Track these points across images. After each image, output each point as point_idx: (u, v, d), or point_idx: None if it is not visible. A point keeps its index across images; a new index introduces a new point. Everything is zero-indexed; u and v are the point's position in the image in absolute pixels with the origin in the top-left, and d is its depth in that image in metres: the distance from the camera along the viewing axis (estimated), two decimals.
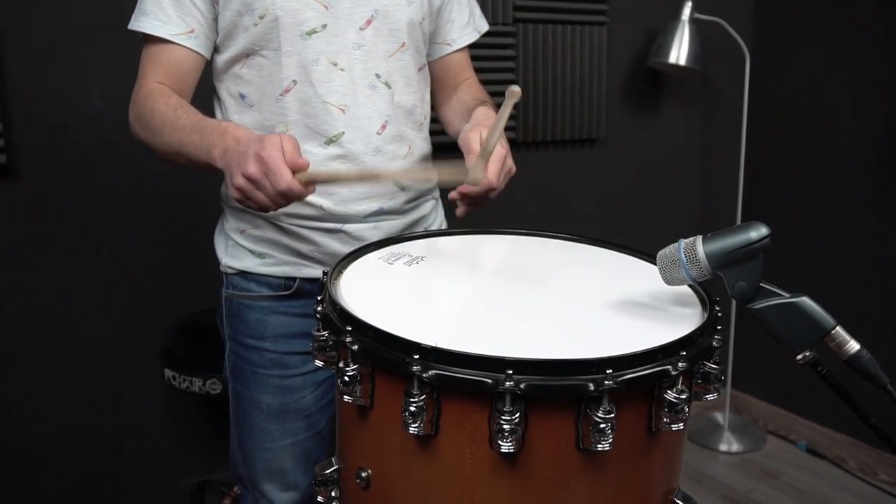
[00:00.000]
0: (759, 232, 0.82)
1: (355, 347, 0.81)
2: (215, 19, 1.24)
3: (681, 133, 2.85)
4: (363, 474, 0.87)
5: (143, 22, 1.23)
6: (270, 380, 1.33)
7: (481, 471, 0.78)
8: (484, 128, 1.20)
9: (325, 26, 1.23)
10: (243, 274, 1.35)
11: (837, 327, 0.82)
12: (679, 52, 2.51)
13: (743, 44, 2.64)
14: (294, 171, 1.01)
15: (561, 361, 0.74)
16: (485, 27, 1.50)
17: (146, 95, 1.21)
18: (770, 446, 2.88)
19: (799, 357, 0.83)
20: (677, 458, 0.90)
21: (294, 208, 1.27)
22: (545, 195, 2.59)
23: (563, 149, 2.61)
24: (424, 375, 0.75)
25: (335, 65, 1.24)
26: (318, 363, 0.89)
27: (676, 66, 2.54)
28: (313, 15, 1.22)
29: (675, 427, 0.79)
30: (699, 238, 0.85)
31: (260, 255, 1.33)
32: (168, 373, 1.89)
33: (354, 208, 1.29)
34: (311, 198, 1.25)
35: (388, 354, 0.78)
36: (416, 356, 0.76)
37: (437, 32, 1.42)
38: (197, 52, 1.24)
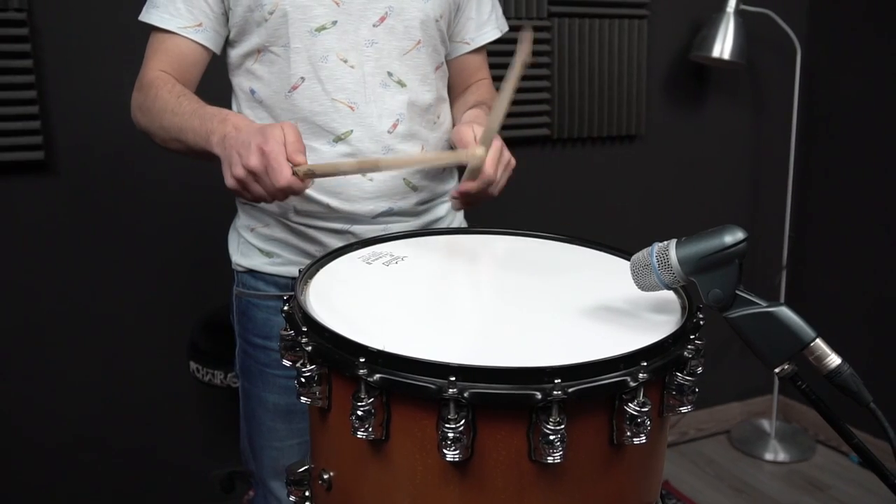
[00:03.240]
0: (734, 237, 0.78)
1: (309, 348, 0.80)
2: (225, 14, 1.25)
3: (726, 130, 2.75)
4: (325, 476, 0.86)
5: (153, 14, 1.25)
6: (277, 380, 1.34)
7: (432, 478, 0.76)
8: (478, 125, 1.17)
9: (335, 23, 1.22)
10: (252, 272, 1.36)
11: (817, 340, 0.76)
12: (723, 45, 2.42)
13: (794, 36, 2.52)
14: (294, 166, 1.01)
15: (508, 369, 0.71)
16: (505, 27, 1.46)
17: (150, 83, 1.23)
18: (819, 457, 2.76)
19: (777, 370, 0.78)
20: (652, 472, 0.86)
21: (303, 206, 1.27)
22: (581, 194, 2.53)
23: (601, 146, 2.55)
24: (370, 379, 0.74)
25: (345, 61, 1.24)
26: (286, 363, 0.89)
27: (720, 60, 2.45)
28: (323, 11, 1.22)
29: (636, 441, 0.75)
30: (673, 242, 0.81)
31: (268, 254, 1.34)
32: (193, 365, 1.93)
33: (362, 208, 1.27)
34: (318, 196, 1.26)
35: (338, 356, 0.77)
36: (363, 359, 0.74)
37: (456, 31, 1.39)
38: (203, 46, 1.25)
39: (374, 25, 1.24)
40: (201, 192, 2.03)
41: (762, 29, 2.56)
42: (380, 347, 0.74)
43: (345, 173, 1.04)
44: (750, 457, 2.77)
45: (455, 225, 1.43)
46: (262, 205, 1.31)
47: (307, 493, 0.95)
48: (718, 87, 2.70)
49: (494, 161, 1.11)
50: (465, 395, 0.71)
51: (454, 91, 1.46)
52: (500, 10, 1.46)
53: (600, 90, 2.46)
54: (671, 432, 2.82)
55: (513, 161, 1.19)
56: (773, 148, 2.78)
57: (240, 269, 1.37)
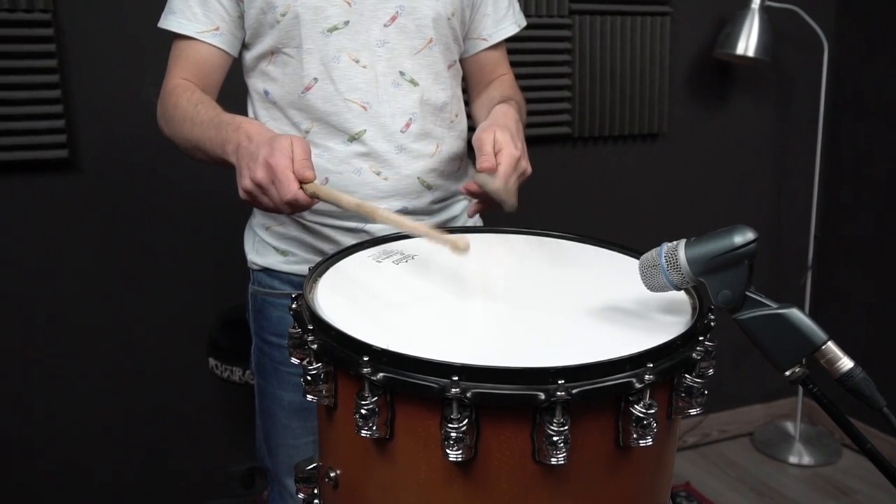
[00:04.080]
0: (744, 237, 0.76)
1: (315, 346, 0.80)
2: (241, 17, 1.26)
3: (751, 129, 2.71)
4: (331, 474, 0.86)
5: (171, 20, 1.26)
6: (292, 378, 1.34)
7: (436, 478, 0.76)
8: (499, 128, 1.15)
9: (347, 23, 1.23)
10: (267, 271, 1.36)
11: (829, 342, 0.75)
12: (748, 42, 2.38)
13: (821, 32, 2.48)
14: (302, 182, 1.01)
15: (511, 369, 0.71)
16: (524, 22, 1.46)
17: (171, 92, 1.24)
18: (845, 461, 2.71)
19: (787, 373, 0.77)
20: (661, 475, 0.85)
21: (317, 205, 1.28)
22: (602, 192, 2.51)
23: (622, 144, 2.52)
24: (374, 378, 0.74)
25: (357, 62, 1.24)
26: (294, 360, 0.89)
27: (745, 58, 2.42)
28: (335, 12, 1.22)
29: (643, 443, 0.74)
30: (682, 242, 0.80)
31: (283, 253, 1.34)
32: (212, 362, 1.95)
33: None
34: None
35: (343, 355, 0.77)
36: (366, 358, 0.74)
37: (473, 28, 1.38)
38: (222, 50, 1.26)
39: (385, 25, 1.24)
40: (222, 190, 2.02)
41: (788, 25, 2.52)
42: (383, 346, 0.74)
43: (344, 207, 1.04)
44: (773, 459, 2.73)
45: (470, 224, 1.42)
46: None
47: (315, 491, 0.95)
48: (743, 85, 2.66)
49: (507, 173, 1.09)
50: (468, 394, 0.70)
51: (475, 89, 1.45)
52: (517, 6, 1.45)
53: (622, 88, 2.44)
54: (693, 434, 2.79)
55: (529, 170, 1.16)
56: (799, 147, 2.73)
57: (255, 267, 1.38)
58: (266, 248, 1.36)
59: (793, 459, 2.71)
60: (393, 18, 1.24)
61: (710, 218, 2.64)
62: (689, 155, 2.63)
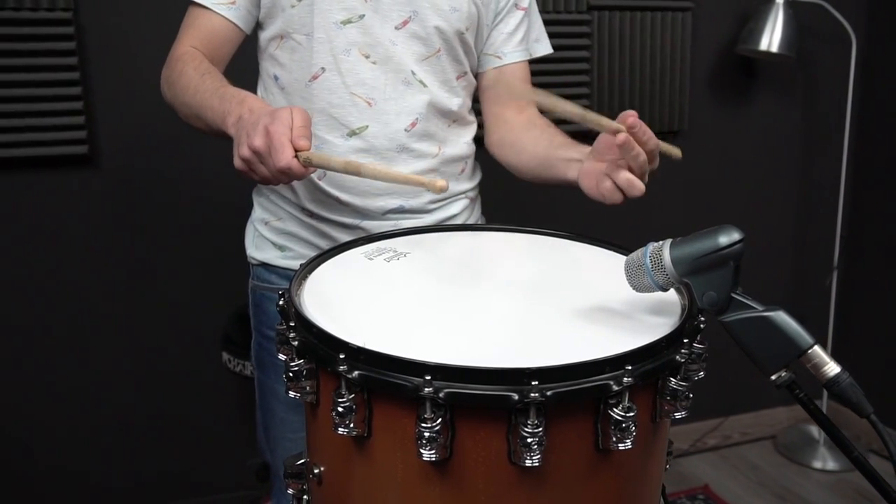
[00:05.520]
0: (729, 237, 0.75)
1: (296, 343, 0.80)
2: None
3: (775, 126, 2.65)
4: (315, 470, 0.87)
5: None
6: None
7: (413, 477, 0.76)
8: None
9: (362, 17, 1.22)
10: (265, 266, 1.37)
11: (815, 346, 0.73)
12: (771, 37, 2.34)
13: (849, 26, 2.42)
14: (296, 151, 1.00)
15: (485, 370, 0.70)
16: (541, 51, 1.43)
17: (179, 58, 1.24)
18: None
19: (773, 377, 0.75)
20: (647, 480, 0.84)
21: (315, 200, 1.28)
22: None
23: None
24: (350, 376, 0.74)
25: (367, 57, 1.24)
26: (281, 356, 0.89)
27: (768, 54, 2.37)
28: (351, 4, 1.22)
29: (622, 446, 0.73)
30: (668, 242, 0.79)
31: (281, 248, 1.35)
32: (225, 356, 1.97)
33: (373, 204, 1.28)
34: (329, 190, 1.26)
35: (322, 352, 0.77)
36: (343, 355, 0.74)
37: (490, 43, 1.37)
38: (234, 24, 1.25)
39: (396, 27, 1.24)
40: (240, 186, 2.05)
41: (814, 19, 2.46)
42: (360, 344, 0.74)
43: (333, 169, 1.04)
44: (796, 464, 2.68)
45: (471, 222, 1.42)
46: (276, 197, 1.33)
47: (305, 487, 0.95)
48: (767, 81, 2.61)
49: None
50: (441, 394, 0.70)
51: (498, 105, 1.41)
52: (539, 32, 1.42)
53: (641, 85, 2.41)
54: (713, 436, 2.75)
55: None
56: (826, 145, 2.67)
57: (254, 261, 1.39)
58: (265, 242, 1.37)
59: (817, 464, 2.65)
60: (405, 22, 1.24)
61: (733, 218, 2.56)
62: (710, 153, 2.58)
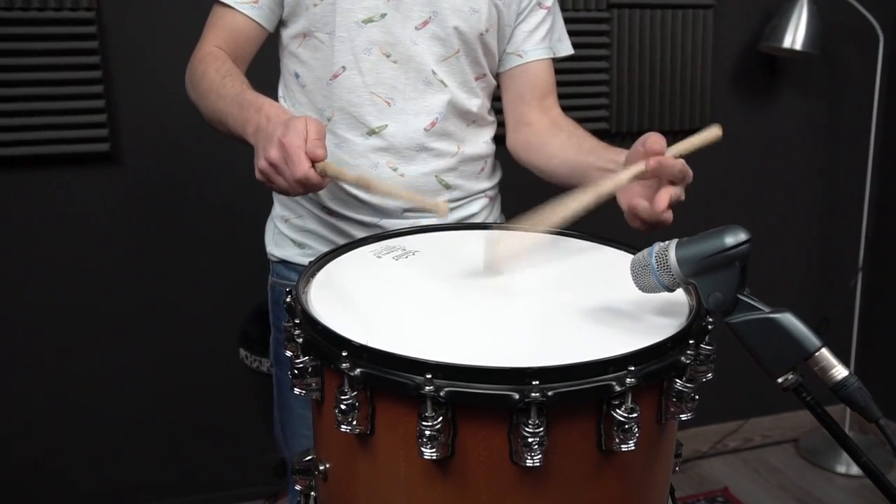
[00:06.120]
0: (735, 238, 0.74)
1: (301, 340, 0.81)
2: None
3: (799, 125, 2.61)
4: (321, 467, 0.87)
5: None
6: None
7: (415, 475, 0.76)
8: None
9: (383, 16, 1.23)
10: (284, 263, 1.38)
11: (823, 349, 0.72)
12: (795, 35, 2.30)
13: (876, 23, 2.38)
14: (313, 161, 1.02)
15: (486, 369, 0.70)
16: (564, 52, 1.41)
17: (202, 58, 1.24)
18: None
19: (780, 380, 0.74)
20: (652, 482, 0.83)
21: (335, 198, 1.29)
22: None
23: None
24: (352, 373, 0.74)
25: (388, 56, 1.24)
26: (288, 353, 0.90)
27: (792, 51, 2.33)
28: (373, 3, 1.22)
29: (625, 448, 0.72)
30: (674, 242, 0.78)
31: (300, 245, 1.36)
32: (242, 352, 1.99)
33: (392, 202, 1.28)
34: (349, 188, 1.27)
35: (325, 349, 0.78)
36: (345, 353, 0.74)
37: (512, 42, 1.36)
38: (258, 23, 1.26)
39: (416, 28, 1.24)
40: (260, 184, 2.08)
41: (839, 16, 2.42)
42: (363, 342, 0.74)
43: (346, 182, 1.05)
44: (819, 468, 2.63)
45: (490, 221, 1.41)
46: (297, 196, 1.34)
47: (312, 483, 0.96)
48: (791, 79, 2.57)
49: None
50: (442, 393, 0.70)
51: (522, 106, 1.39)
52: (561, 33, 1.41)
53: (661, 84, 2.38)
54: (733, 438, 2.72)
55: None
56: (851, 144, 2.62)
57: (274, 259, 1.40)
58: (284, 240, 1.38)
59: (840, 469, 2.61)
60: (425, 23, 1.24)
61: (755, 218, 2.56)
62: (733, 153, 2.55)
